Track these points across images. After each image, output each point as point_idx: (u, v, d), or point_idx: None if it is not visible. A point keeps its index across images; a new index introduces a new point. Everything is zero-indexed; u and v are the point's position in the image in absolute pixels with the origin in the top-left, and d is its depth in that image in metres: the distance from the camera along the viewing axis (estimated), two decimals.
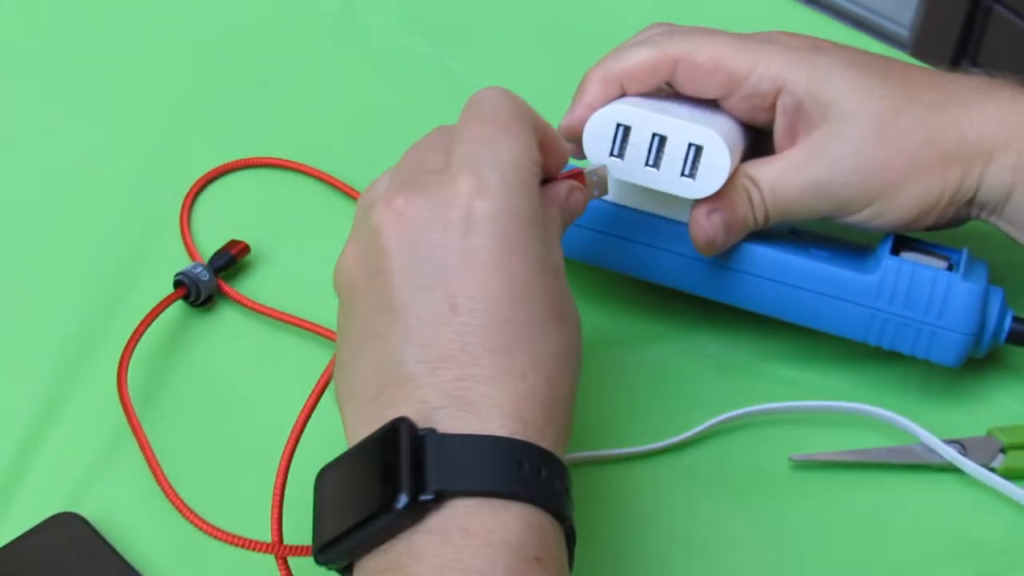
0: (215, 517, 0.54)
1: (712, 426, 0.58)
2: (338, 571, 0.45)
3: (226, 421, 0.59)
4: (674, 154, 0.55)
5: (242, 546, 0.51)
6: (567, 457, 0.46)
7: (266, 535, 0.51)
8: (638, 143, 0.55)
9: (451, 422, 0.43)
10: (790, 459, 0.58)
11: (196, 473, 0.57)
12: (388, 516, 0.42)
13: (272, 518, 0.51)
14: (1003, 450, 0.58)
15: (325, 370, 0.53)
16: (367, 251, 0.47)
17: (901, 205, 0.56)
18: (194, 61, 0.76)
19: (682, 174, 0.55)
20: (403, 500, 0.42)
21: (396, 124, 0.73)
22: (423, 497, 0.42)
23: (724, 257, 0.59)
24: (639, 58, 0.57)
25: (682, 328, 0.63)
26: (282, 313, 0.62)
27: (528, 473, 0.43)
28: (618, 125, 0.56)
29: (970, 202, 0.57)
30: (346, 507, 0.44)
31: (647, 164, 0.56)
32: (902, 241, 0.59)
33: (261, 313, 0.63)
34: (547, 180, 0.50)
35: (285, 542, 0.51)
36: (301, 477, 0.53)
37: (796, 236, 0.60)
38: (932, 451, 0.58)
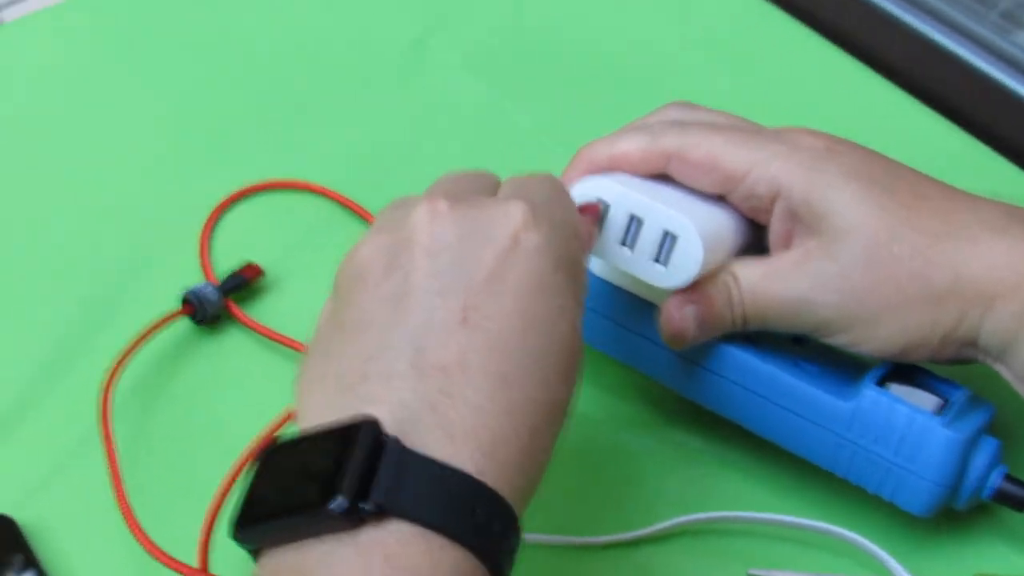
0: (160, 537, 0.54)
1: (674, 526, 0.56)
2: (248, 551, 0.42)
3: (199, 440, 0.59)
4: (648, 238, 0.53)
5: (168, 565, 0.51)
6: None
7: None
8: (615, 221, 0.54)
9: (421, 435, 0.40)
10: (748, 574, 0.55)
11: (154, 488, 0.57)
12: (319, 514, 0.39)
13: (199, 542, 0.52)
14: None
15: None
16: (393, 243, 0.45)
17: (883, 336, 0.53)
18: (255, 80, 0.77)
19: (655, 260, 0.53)
20: (339, 502, 0.39)
21: (444, 162, 0.72)
22: (362, 506, 0.39)
23: (695, 352, 0.56)
24: (630, 147, 0.55)
25: (662, 415, 0.61)
26: (284, 337, 0.63)
27: (480, 519, 0.40)
28: (598, 199, 0.54)
29: (972, 344, 0.52)
30: (281, 491, 0.41)
31: (622, 243, 0.54)
32: (902, 368, 0.55)
33: (263, 336, 0.63)
34: None
35: (211, 570, 0.51)
36: None
37: (796, 343, 0.57)
38: None
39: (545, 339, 0.44)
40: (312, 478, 0.40)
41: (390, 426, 0.40)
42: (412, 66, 0.78)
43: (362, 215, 0.69)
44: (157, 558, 0.52)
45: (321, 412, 0.42)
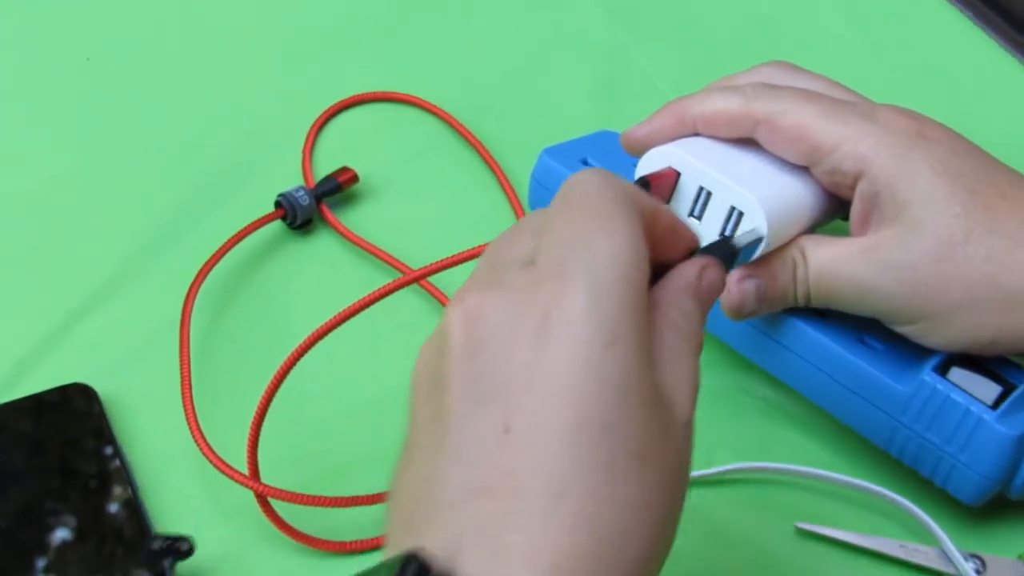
0: (218, 431, 0.55)
1: (729, 471, 0.57)
2: None
3: (273, 343, 0.59)
4: (716, 212, 0.53)
5: (221, 470, 0.53)
6: None
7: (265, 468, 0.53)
8: (685, 191, 0.53)
9: (478, 564, 0.36)
10: (795, 526, 0.56)
11: (221, 385, 0.59)
12: None
13: (247, 448, 0.53)
14: None
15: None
16: (434, 352, 0.40)
17: (948, 334, 0.52)
18: None
19: (721, 234, 0.53)
20: None
21: (557, 96, 0.73)
22: None
23: (761, 319, 0.56)
24: (719, 107, 0.54)
25: (731, 361, 0.61)
26: (372, 246, 0.64)
27: None
28: (669, 167, 0.54)
29: None
30: None
31: (690, 214, 0.53)
32: None
33: (352, 243, 0.64)
34: (668, 266, 0.43)
35: (264, 480, 0.52)
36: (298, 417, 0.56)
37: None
38: (947, 559, 0.54)
39: (607, 430, 0.37)
40: None
41: (442, 558, 0.36)
42: None
43: (468, 138, 0.69)
44: (210, 460, 0.53)
45: (389, 548, 0.39)
